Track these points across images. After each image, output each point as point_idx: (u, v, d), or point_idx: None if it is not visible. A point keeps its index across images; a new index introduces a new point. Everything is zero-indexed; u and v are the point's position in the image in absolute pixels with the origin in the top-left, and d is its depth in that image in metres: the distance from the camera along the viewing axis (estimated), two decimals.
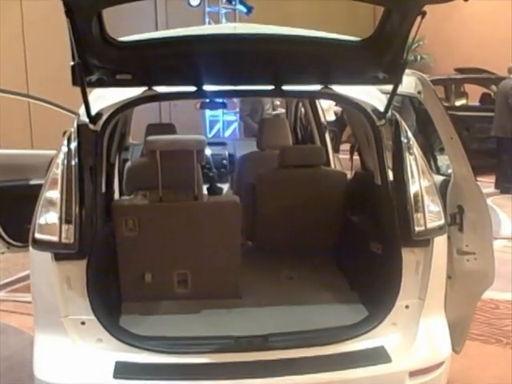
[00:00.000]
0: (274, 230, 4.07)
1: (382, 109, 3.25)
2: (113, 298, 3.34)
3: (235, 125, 12.24)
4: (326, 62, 3.07)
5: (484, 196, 3.32)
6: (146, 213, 3.49)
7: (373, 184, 3.42)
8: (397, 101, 3.57)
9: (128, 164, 4.26)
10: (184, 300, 3.49)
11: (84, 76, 2.81)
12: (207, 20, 11.88)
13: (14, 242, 4.65)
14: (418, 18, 2.64)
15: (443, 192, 3.29)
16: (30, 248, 2.94)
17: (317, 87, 3.32)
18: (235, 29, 3.25)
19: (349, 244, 3.89)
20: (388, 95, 3.20)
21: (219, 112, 12.01)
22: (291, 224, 3.98)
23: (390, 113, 3.25)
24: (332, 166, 5.07)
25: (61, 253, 2.88)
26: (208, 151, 5.69)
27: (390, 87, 3.09)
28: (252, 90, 3.38)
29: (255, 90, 3.39)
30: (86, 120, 3.10)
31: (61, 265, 2.89)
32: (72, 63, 2.74)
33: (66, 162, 2.94)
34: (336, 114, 10.74)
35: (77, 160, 2.96)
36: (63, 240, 2.87)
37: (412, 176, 3.08)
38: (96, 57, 2.83)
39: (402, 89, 3.11)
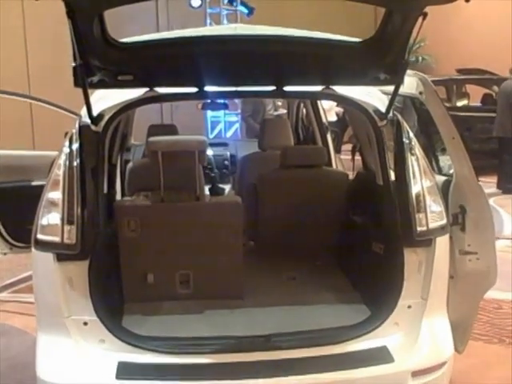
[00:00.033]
0: (275, 231, 4.07)
1: (383, 109, 3.25)
2: (115, 299, 3.34)
3: (237, 125, 12.25)
4: (327, 62, 3.07)
5: (486, 196, 3.33)
6: (148, 213, 3.50)
7: (375, 184, 3.42)
8: (398, 101, 3.57)
9: (130, 165, 4.28)
10: (186, 300, 3.49)
11: (86, 77, 2.81)
12: (208, 21, 11.90)
13: (16, 243, 4.66)
14: (420, 19, 2.64)
15: (445, 192, 3.29)
16: (33, 249, 2.94)
17: (318, 88, 3.33)
18: (236, 30, 3.26)
19: (351, 244, 3.89)
20: (389, 96, 3.20)
21: (221, 113, 12.02)
22: (293, 224, 3.98)
23: (391, 113, 3.25)
24: (333, 166, 5.07)
25: (63, 253, 2.88)
26: (210, 152, 5.70)
27: (391, 88, 3.09)
28: (253, 91, 3.39)
29: (257, 91, 3.39)
30: (88, 121, 3.10)
31: (63, 265, 2.89)
32: (74, 64, 2.74)
33: (67, 162, 2.95)
34: (337, 114, 10.75)
35: (78, 161, 2.96)
36: (65, 241, 2.87)
37: (414, 176, 3.08)
38: (98, 58, 2.84)
39: (403, 89, 3.11)
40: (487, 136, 10.28)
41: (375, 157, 3.36)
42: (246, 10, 12.15)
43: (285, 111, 7.88)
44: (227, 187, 5.77)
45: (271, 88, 3.24)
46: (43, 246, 2.90)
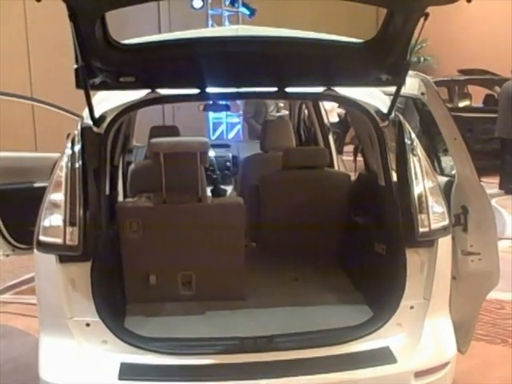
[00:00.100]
0: (277, 232, 4.07)
1: (385, 110, 3.25)
2: (117, 300, 3.35)
3: (239, 127, 12.26)
4: (329, 63, 3.07)
5: (488, 196, 3.33)
6: (150, 215, 3.50)
7: (377, 185, 3.42)
8: (400, 102, 3.57)
9: (132, 166, 4.27)
10: (188, 301, 3.49)
11: (87, 79, 2.82)
12: (210, 23, 11.91)
13: (18, 245, 4.67)
14: (421, 20, 2.65)
15: (447, 193, 3.30)
16: (35, 250, 2.94)
17: (320, 89, 3.33)
18: (238, 31, 3.26)
19: (353, 245, 3.89)
20: (391, 97, 3.20)
21: (223, 114, 12.03)
22: (295, 225, 3.98)
23: (393, 114, 3.25)
24: (335, 167, 5.07)
25: (65, 255, 2.89)
26: (212, 153, 5.70)
27: (393, 89, 3.10)
28: (255, 92, 3.39)
29: (258, 92, 3.40)
30: (90, 123, 3.11)
31: (65, 267, 2.89)
32: (75, 66, 2.75)
33: (69, 164, 2.95)
34: (339, 115, 10.75)
35: (81, 162, 2.96)
36: (67, 242, 2.87)
37: (416, 177, 3.08)
38: (99, 59, 2.84)
39: (405, 90, 3.11)
40: (489, 137, 10.27)
41: (377, 158, 3.35)
42: (247, 12, 12.16)
43: (287, 112, 7.89)
44: (229, 188, 5.78)
45: (273, 89, 3.24)
46: (45, 247, 2.90)
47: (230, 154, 6.35)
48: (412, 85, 3.21)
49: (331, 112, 9.27)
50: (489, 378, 4.03)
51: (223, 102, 6.10)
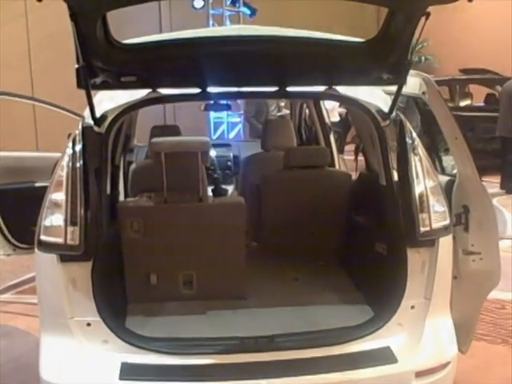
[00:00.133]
0: (278, 231, 4.07)
1: (386, 109, 3.25)
2: (118, 300, 3.35)
3: (239, 126, 12.27)
4: (330, 63, 3.07)
5: (489, 196, 3.32)
6: (151, 214, 3.50)
7: (378, 185, 3.42)
8: (401, 101, 3.57)
9: (133, 166, 4.28)
10: (189, 301, 3.49)
11: (89, 78, 2.82)
12: (211, 22, 11.90)
13: (19, 244, 4.67)
14: (422, 19, 2.64)
15: (448, 192, 3.29)
16: (36, 250, 2.95)
17: (321, 88, 3.33)
18: (239, 31, 3.26)
19: (354, 244, 3.89)
20: (392, 96, 3.20)
21: (224, 114, 12.03)
22: (296, 225, 3.98)
23: (394, 113, 3.25)
24: (336, 166, 5.07)
25: (66, 254, 2.89)
26: (213, 153, 5.70)
27: (394, 88, 3.09)
28: (256, 92, 3.39)
29: (260, 92, 3.40)
30: (91, 122, 3.11)
31: (66, 266, 2.90)
32: (77, 66, 2.75)
33: (71, 164, 2.95)
34: (340, 115, 10.75)
35: (82, 162, 2.96)
36: (68, 242, 2.87)
37: (417, 176, 3.08)
38: (100, 59, 2.84)
39: (406, 89, 3.11)
40: (490, 136, 10.26)
41: (378, 157, 3.35)
42: (248, 11, 12.15)
43: (288, 112, 7.89)
44: (230, 188, 5.78)
45: (274, 88, 3.24)
46: (46, 247, 2.90)
47: (231, 154, 6.35)
48: (413, 84, 3.21)
49: (332, 111, 9.28)
50: (489, 378, 4.03)
51: (224, 102, 6.10)
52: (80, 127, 3.09)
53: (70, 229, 2.87)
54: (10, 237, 4.65)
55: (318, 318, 3.29)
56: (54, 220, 2.90)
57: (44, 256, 2.91)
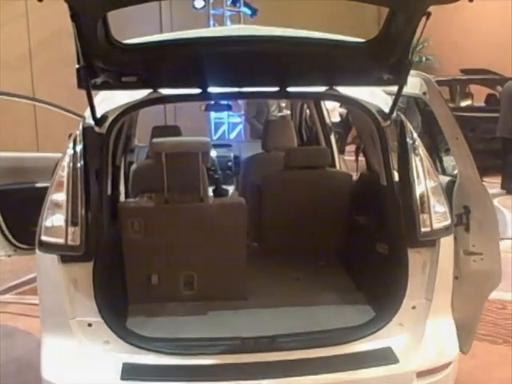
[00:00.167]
0: (279, 231, 4.07)
1: (387, 110, 3.25)
2: (119, 300, 3.35)
3: (240, 127, 12.26)
4: (330, 63, 3.07)
5: (490, 196, 3.32)
6: (152, 215, 3.50)
7: (378, 185, 3.42)
8: (402, 102, 3.56)
9: (134, 166, 4.28)
10: (190, 302, 3.49)
11: (89, 79, 2.82)
12: (212, 22, 11.90)
13: (20, 245, 4.67)
14: (423, 19, 2.64)
15: (449, 193, 3.29)
16: (37, 250, 2.94)
17: (322, 88, 3.33)
18: (240, 31, 3.26)
19: (355, 245, 3.89)
20: (393, 96, 3.20)
21: (224, 114, 12.03)
22: (297, 225, 3.98)
23: (395, 114, 3.25)
24: (337, 167, 5.07)
25: (67, 255, 2.89)
26: (213, 153, 5.70)
27: (395, 88, 3.09)
28: (257, 92, 3.39)
29: (260, 92, 3.39)
30: (92, 122, 3.11)
31: (67, 267, 2.89)
32: (77, 66, 2.75)
33: (71, 164, 2.95)
34: (341, 115, 10.74)
35: (82, 162, 2.96)
36: (69, 242, 2.87)
37: (418, 177, 3.08)
38: (101, 59, 2.84)
39: (407, 90, 3.11)
40: (491, 136, 10.26)
41: (379, 157, 3.35)
42: (249, 11, 12.15)
43: (288, 112, 7.89)
44: (231, 188, 5.78)
45: (275, 89, 3.24)
46: (47, 247, 2.90)
47: (232, 154, 6.35)
48: (414, 84, 3.21)
49: (333, 111, 9.27)
50: (491, 378, 4.02)
51: (225, 102, 6.10)
52: (81, 127, 3.09)
53: (70, 229, 2.87)
54: (10, 237, 4.64)
55: (319, 319, 3.29)
56: (54, 220, 2.91)
57: (45, 256, 2.91)
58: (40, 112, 9.55)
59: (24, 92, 6.33)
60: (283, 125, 5.32)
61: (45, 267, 2.95)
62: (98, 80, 2.95)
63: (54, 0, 2.18)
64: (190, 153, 3.49)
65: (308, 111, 6.17)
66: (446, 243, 3.09)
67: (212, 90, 3.21)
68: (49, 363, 2.90)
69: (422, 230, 3.02)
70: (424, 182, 3.07)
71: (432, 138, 3.93)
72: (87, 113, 3.11)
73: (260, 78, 3.13)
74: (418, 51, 13.47)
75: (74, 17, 2.48)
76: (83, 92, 2.86)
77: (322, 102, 5.52)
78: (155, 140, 3.63)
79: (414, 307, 3.07)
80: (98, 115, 3.10)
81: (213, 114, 12.03)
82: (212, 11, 11.97)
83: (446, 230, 3.08)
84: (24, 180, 4.63)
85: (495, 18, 13.81)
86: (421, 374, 2.94)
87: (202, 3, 11.36)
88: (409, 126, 3.21)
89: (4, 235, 4.64)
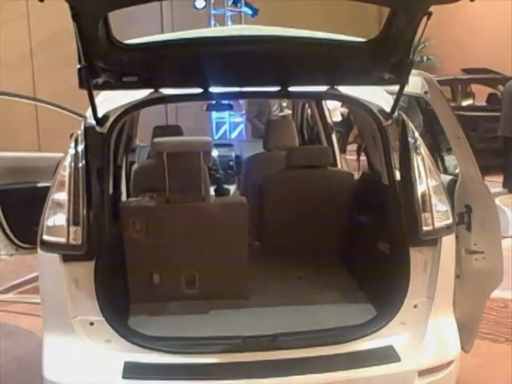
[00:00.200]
0: (281, 231, 4.07)
1: (388, 109, 3.25)
2: (121, 299, 3.35)
3: (241, 126, 12.26)
4: (332, 62, 3.07)
5: (491, 195, 3.32)
6: (154, 214, 3.50)
7: (380, 184, 3.42)
8: (403, 101, 3.57)
9: (135, 166, 4.29)
10: (192, 301, 3.50)
11: (90, 79, 2.83)
12: (213, 22, 11.90)
13: (22, 244, 4.68)
14: (424, 19, 2.64)
15: (451, 192, 3.29)
16: (39, 250, 2.95)
17: (323, 88, 3.33)
18: (241, 31, 3.26)
19: (356, 244, 3.89)
20: (394, 96, 3.20)
21: (226, 114, 12.04)
22: (298, 224, 3.98)
23: (396, 113, 3.25)
24: (339, 166, 5.07)
25: (69, 254, 2.89)
26: (215, 153, 5.71)
27: (396, 88, 3.09)
28: (258, 92, 3.39)
29: (261, 92, 3.40)
30: (93, 122, 3.11)
31: (69, 266, 2.90)
32: (79, 66, 2.75)
33: (73, 164, 2.95)
34: (342, 114, 10.75)
35: (84, 162, 2.96)
36: (71, 241, 2.88)
37: (419, 176, 3.08)
38: (102, 59, 2.84)
39: (408, 89, 3.11)
40: (492, 135, 10.25)
41: (380, 157, 3.35)
42: (250, 11, 12.15)
43: (290, 112, 7.89)
44: (232, 188, 5.78)
45: (276, 88, 3.24)
46: (49, 246, 2.91)
47: (233, 154, 6.35)
48: (415, 84, 3.21)
49: (334, 111, 9.28)
50: (493, 377, 4.03)
51: (226, 102, 6.11)
52: (82, 127, 3.10)
53: (72, 229, 2.88)
54: (12, 237, 4.65)
55: (321, 317, 3.29)
56: (56, 220, 2.91)
57: (47, 256, 2.91)
58: (41, 112, 9.57)
59: (25, 92, 6.33)
60: (285, 124, 5.32)
61: (47, 266, 2.95)
62: (100, 80, 2.95)
63: (55, 0, 2.18)
64: (191, 152, 3.50)
65: (309, 111, 6.18)
66: (448, 242, 3.09)
67: (213, 89, 3.21)
68: (50, 362, 2.91)
69: (424, 228, 3.02)
70: (426, 181, 3.08)
71: (433, 137, 3.93)
72: (88, 113, 3.11)
73: (261, 78, 3.13)
74: (419, 51, 13.46)
75: (75, 17, 2.48)
76: (84, 92, 2.86)
77: (323, 102, 5.52)
78: (157, 140, 3.63)
79: (415, 306, 3.07)
80: (100, 115, 3.10)
81: (214, 114, 12.03)
82: (213, 11, 11.98)
83: (447, 229, 3.08)
84: (26, 180, 4.64)
85: (497, 17, 13.80)
86: (422, 373, 2.94)
87: (203, 3, 11.36)
88: (410, 125, 3.21)
89: (6, 234, 4.65)
